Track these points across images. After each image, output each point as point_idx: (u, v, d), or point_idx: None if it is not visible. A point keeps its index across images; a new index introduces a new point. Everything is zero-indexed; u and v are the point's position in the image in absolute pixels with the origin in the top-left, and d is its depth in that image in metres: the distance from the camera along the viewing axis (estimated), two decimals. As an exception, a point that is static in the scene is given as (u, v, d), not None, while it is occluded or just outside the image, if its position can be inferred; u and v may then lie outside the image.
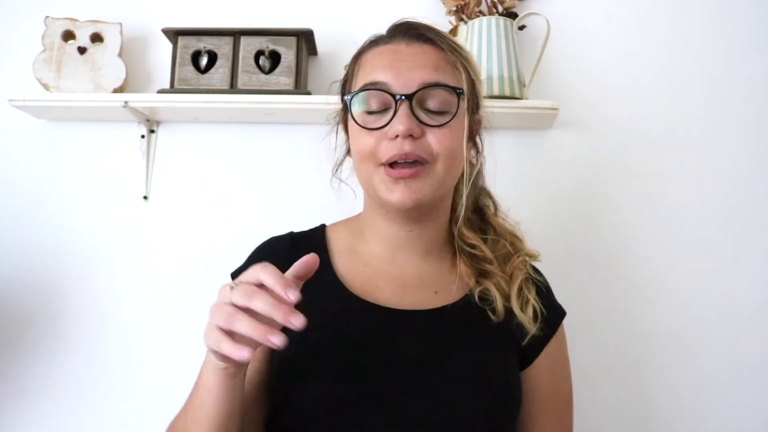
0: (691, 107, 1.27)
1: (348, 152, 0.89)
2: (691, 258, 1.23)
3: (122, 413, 1.24)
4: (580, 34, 1.31)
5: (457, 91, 0.78)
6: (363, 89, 0.79)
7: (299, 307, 0.80)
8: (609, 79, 1.29)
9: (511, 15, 1.25)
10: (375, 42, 0.83)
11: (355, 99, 0.79)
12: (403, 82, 0.77)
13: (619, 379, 1.21)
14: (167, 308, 1.27)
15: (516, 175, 1.27)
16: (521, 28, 1.29)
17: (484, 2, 1.27)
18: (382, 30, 0.86)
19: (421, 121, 0.77)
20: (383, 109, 0.78)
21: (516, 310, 0.81)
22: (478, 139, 0.88)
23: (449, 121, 0.78)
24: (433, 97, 0.78)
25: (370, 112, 0.79)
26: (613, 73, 1.29)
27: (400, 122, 0.75)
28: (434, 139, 0.77)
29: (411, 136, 0.76)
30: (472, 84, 0.83)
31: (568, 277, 1.22)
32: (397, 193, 0.77)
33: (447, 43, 0.81)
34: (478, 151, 0.88)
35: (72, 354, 1.26)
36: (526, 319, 0.81)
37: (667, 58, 1.29)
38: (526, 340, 0.81)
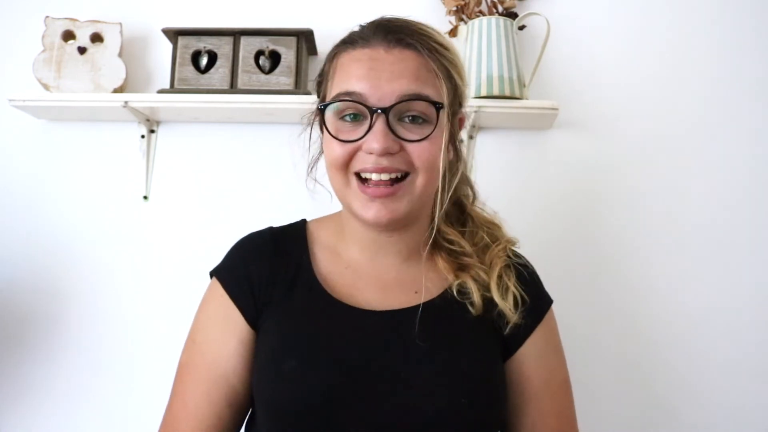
0: (691, 107, 1.27)
1: (323, 151, 0.85)
2: (691, 257, 1.23)
3: (122, 413, 1.24)
4: (580, 34, 1.31)
5: (437, 106, 0.75)
6: (338, 99, 0.75)
7: (281, 307, 0.80)
8: (609, 79, 1.29)
9: (511, 15, 1.25)
10: (352, 43, 0.78)
11: (329, 107, 0.76)
12: (380, 95, 0.73)
13: (618, 377, 1.21)
14: (167, 308, 1.27)
15: (516, 175, 1.27)
16: (521, 28, 1.29)
17: (484, 2, 1.27)
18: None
19: (398, 136, 0.74)
20: (359, 118, 0.76)
21: (496, 298, 0.80)
22: (458, 141, 0.85)
23: (429, 134, 0.74)
24: (412, 108, 0.74)
25: (344, 119, 0.76)
26: (614, 73, 1.29)
27: (376, 140, 0.72)
28: (414, 153, 0.74)
29: (388, 153, 0.73)
30: (455, 87, 0.79)
31: (567, 276, 1.22)
32: (372, 211, 0.75)
33: (429, 46, 0.76)
34: (458, 156, 0.85)
35: (72, 354, 1.26)
36: (507, 306, 0.80)
37: (668, 58, 1.29)
38: (508, 329, 0.80)
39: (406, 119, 0.75)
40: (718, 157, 1.26)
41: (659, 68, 1.29)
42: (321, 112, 0.78)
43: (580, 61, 1.30)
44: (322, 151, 0.85)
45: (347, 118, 0.76)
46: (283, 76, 1.24)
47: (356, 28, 0.81)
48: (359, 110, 0.75)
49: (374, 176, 0.74)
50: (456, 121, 0.82)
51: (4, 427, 1.24)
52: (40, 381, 1.26)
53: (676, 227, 1.24)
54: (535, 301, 0.85)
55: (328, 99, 0.78)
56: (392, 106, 0.73)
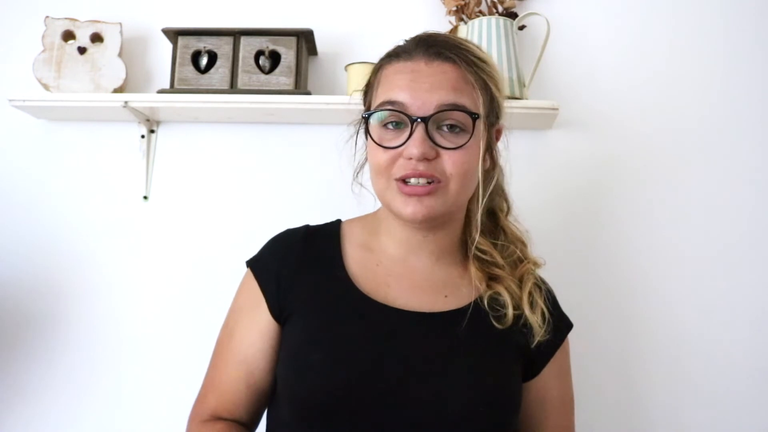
0: (691, 107, 1.27)
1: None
2: (691, 258, 1.23)
3: (121, 413, 1.24)
4: (580, 34, 1.31)
5: (473, 116, 0.79)
6: (381, 108, 0.80)
7: (309, 302, 0.83)
8: (609, 79, 1.29)
9: (511, 15, 1.25)
10: (396, 56, 0.84)
11: (372, 116, 0.81)
12: (420, 104, 0.78)
13: (618, 377, 1.21)
14: (167, 308, 1.27)
15: (516, 175, 1.26)
16: (521, 28, 1.29)
17: (484, 2, 1.27)
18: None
19: (436, 143, 0.78)
20: (401, 126, 0.80)
21: (527, 312, 0.83)
22: (495, 151, 0.89)
23: (465, 143, 0.79)
24: (450, 118, 0.79)
25: (386, 126, 0.81)
26: (613, 73, 1.29)
27: (415, 146, 0.77)
28: (449, 161, 0.78)
29: (425, 158, 0.77)
30: (492, 99, 0.83)
31: (567, 276, 1.21)
32: (410, 207, 0.79)
33: (467, 59, 0.81)
34: (494, 164, 0.89)
35: (71, 354, 1.26)
36: (536, 321, 0.83)
37: (668, 57, 1.29)
38: (533, 345, 0.83)
39: (445, 128, 0.79)
40: (719, 157, 1.26)
41: (659, 68, 1.29)
42: (366, 120, 0.83)
43: (580, 61, 1.30)
44: (367, 159, 0.90)
45: (390, 126, 0.81)
46: (283, 76, 1.24)
47: (401, 43, 0.86)
48: (401, 119, 0.80)
49: (412, 180, 0.79)
50: (493, 131, 0.86)
51: (3, 427, 1.24)
52: (39, 380, 1.25)
53: (676, 227, 1.24)
54: (557, 322, 0.88)
55: (372, 108, 0.82)
56: (431, 116, 0.78)
